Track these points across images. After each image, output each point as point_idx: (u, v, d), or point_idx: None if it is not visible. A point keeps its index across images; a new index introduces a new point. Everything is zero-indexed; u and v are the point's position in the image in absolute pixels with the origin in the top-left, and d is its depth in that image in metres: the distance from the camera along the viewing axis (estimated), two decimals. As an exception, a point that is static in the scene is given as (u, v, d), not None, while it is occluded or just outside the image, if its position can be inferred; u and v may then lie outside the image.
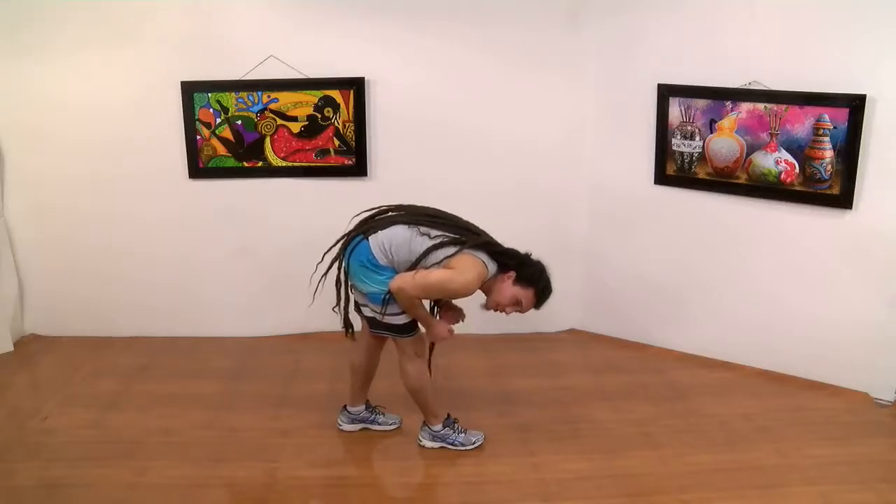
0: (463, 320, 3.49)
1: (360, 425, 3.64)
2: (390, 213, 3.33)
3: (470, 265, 3.15)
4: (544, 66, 4.38)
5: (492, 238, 3.32)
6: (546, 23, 4.32)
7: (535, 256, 3.32)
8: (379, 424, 3.64)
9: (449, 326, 3.35)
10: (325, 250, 3.40)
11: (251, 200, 4.51)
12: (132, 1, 4.22)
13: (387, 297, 3.19)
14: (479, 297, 3.31)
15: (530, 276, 3.25)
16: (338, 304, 3.40)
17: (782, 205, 3.94)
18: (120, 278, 4.58)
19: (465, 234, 3.26)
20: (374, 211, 3.36)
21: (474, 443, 3.50)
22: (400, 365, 3.40)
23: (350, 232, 3.34)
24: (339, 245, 3.37)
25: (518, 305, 3.27)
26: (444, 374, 4.10)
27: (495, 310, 3.32)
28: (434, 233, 3.21)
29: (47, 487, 3.25)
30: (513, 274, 3.24)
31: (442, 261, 3.15)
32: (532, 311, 3.34)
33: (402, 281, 3.12)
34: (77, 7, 4.21)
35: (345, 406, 3.64)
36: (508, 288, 3.24)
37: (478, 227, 3.35)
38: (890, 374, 3.83)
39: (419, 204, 3.38)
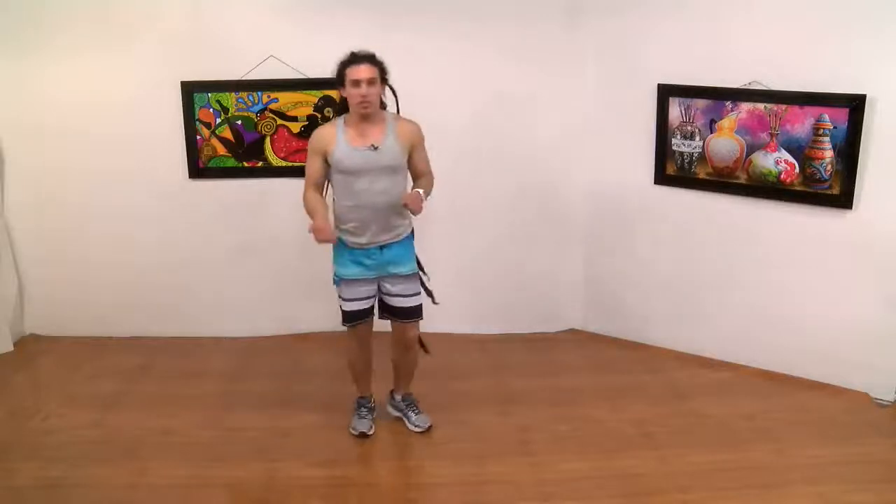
0: (422, 197, 3.38)
1: (397, 414, 3.73)
2: None
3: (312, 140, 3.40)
4: (544, 66, 4.38)
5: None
6: (546, 22, 4.32)
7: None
8: (409, 420, 3.69)
9: (321, 226, 3.23)
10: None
11: (251, 200, 4.51)
12: (132, 1, 4.23)
13: (336, 280, 3.43)
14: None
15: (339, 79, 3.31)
16: None
17: (782, 205, 3.94)
18: (120, 278, 4.58)
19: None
20: None
21: (355, 428, 3.60)
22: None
23: None
24: None
25: (372, 86, 3.24)
26: (444, 373, 4.10)
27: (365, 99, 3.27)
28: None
29: (47, 487, 3.25)
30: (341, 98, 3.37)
31: (331, 175, 3.39)
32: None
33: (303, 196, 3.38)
34: (77, 7, 4.21)
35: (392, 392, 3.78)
36: (350, 98, 3.28)
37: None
38: (890, 374, 3.83)
39: None
